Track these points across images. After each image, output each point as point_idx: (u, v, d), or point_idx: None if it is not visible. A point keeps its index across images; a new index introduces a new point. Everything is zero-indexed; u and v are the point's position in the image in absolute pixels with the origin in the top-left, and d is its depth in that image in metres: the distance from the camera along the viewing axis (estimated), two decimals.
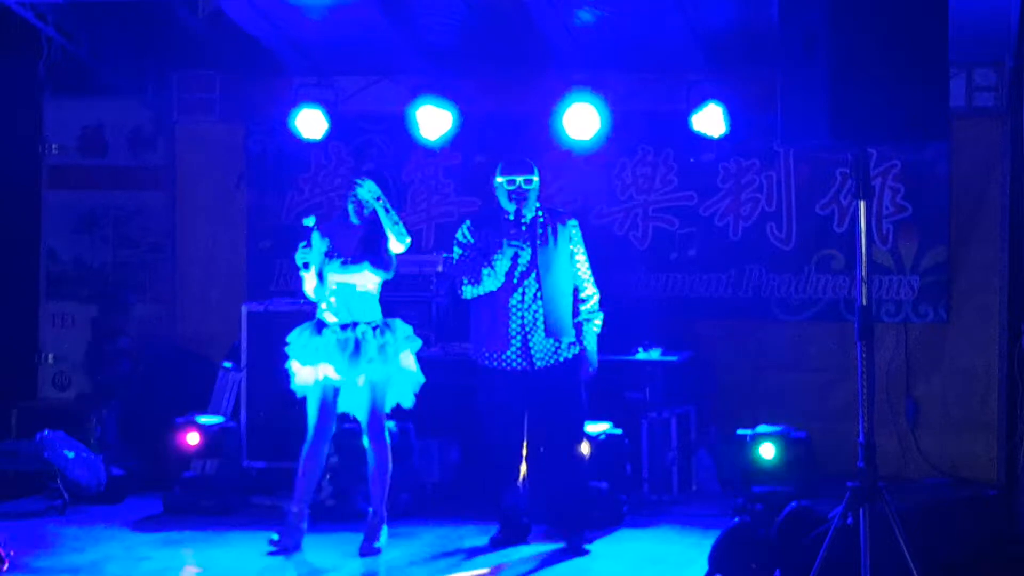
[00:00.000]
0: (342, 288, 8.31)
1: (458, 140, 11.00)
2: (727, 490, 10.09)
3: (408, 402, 8.51)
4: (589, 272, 8.52)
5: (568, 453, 8.41)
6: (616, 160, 11.12)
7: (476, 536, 8.82)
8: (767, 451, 9.22)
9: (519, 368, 8.37)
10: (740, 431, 9.44)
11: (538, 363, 8.35)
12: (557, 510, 8.54)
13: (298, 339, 8.36)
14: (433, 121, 10.71)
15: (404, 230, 8.30)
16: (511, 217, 8.44)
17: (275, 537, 8.33)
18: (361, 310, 8.29)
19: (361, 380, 8.24)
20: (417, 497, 9.45)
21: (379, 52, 10.96)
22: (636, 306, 10.67)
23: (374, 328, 8.27)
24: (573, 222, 8.57)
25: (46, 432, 9.80)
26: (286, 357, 8.55)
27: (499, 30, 10.27)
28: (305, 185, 11.62)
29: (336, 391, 8.34)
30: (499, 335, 8.39)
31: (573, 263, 8.47)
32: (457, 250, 8.53)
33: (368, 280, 8.30)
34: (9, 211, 11.67)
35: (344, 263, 8.28)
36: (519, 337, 8.35)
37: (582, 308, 8.47)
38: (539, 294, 8.33)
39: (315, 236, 8.36)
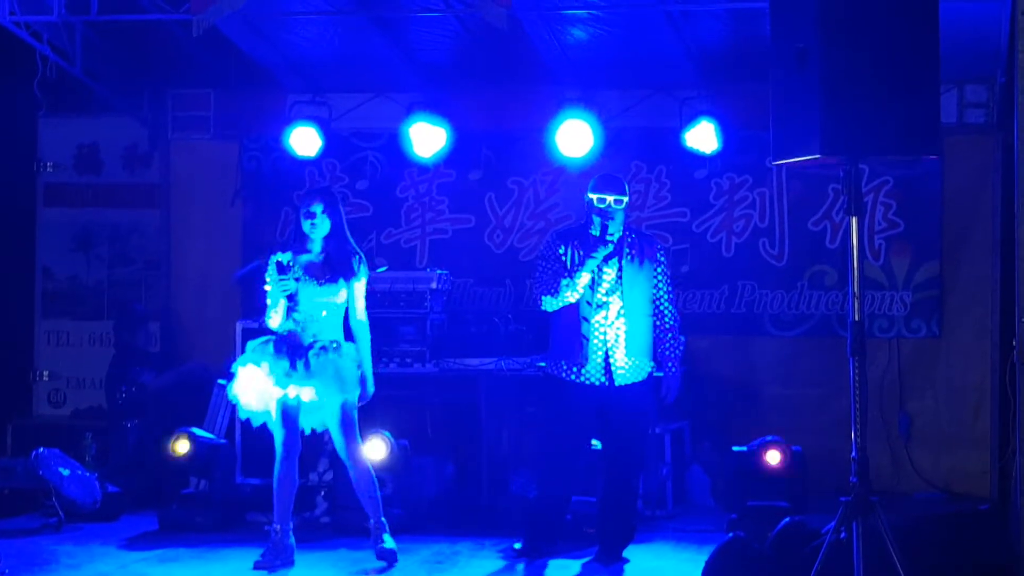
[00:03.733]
0: (307, 309, 8.28)
1: (452, 157, 11.05)
2: (721, 505, 10.11)
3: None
4: (674, 297, 8.53)
5: (630, 471, 8.49)
6: None
7: (472, 552, 8.82)
8: (772, 457, 9.21)
9: (598, 384, 8.32)
10: (736, 447, 9.43)
11: (618, 381, 8.30)
12: (604, 525, 8.54)
13: (262, 357, 8.28)
14: (427, 138, 10.75)
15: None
16: (597, 233, 8.34)
17: (259, 558, 8.32)
18: (323, 330, 8.26)
19: (305, 394, 8.18)
20: (412, 513, 9.45)
21: (373, 69, 11.00)
22: None
23: (333, 347, 8.24)
24: (660, 247, 8.55)
25: (41, 450, 9.78)
26: None
27: (492, 47, 10.30)
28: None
29: (297, 409, 8.30)
30: (581, 350, 8.34)
31: (656, 287, 8.44)
32: (540, 262, 8.47)
33: (339, 298, 8.29)
34: (5, 229, 11.71)
35: (321, 283, 8.25)
36: (601, 353, 8.30)
37: (667, 337, 8.47)
38: (622, 311, 8.30)
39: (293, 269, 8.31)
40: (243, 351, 10.01)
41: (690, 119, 10.46)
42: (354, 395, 8.28)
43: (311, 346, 8.21)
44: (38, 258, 12.06)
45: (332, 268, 8.25)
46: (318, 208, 8.26)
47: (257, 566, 8.23)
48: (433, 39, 10.55)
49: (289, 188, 11.63)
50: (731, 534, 7.62)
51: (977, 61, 10.08)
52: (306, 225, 8.28)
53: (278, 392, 8.23)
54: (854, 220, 6.54)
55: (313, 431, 8.50)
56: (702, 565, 7.42)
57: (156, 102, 11.73)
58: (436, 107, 10.74)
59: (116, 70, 11.18)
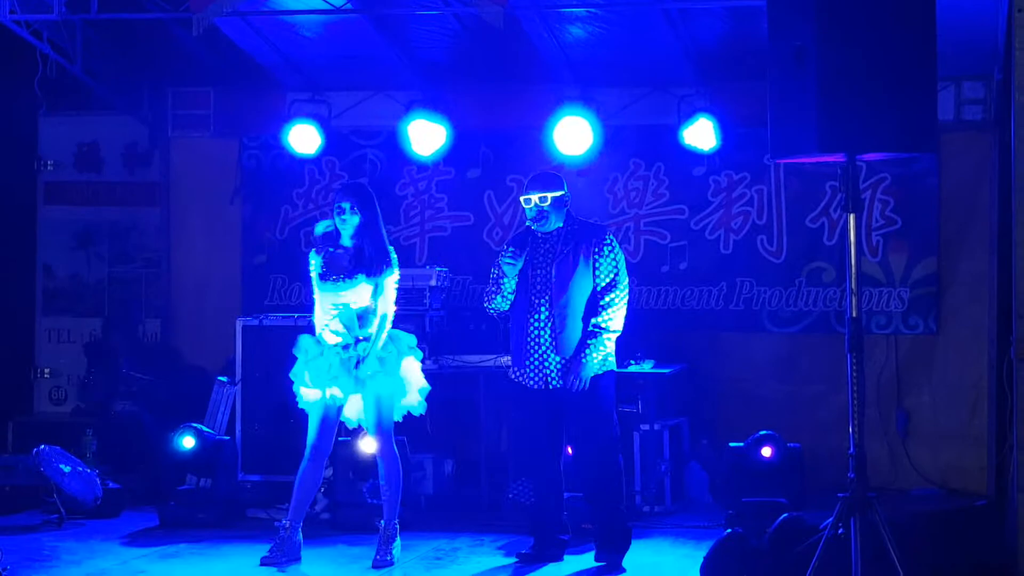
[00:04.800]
0: (336, 306, 8.32)
1: (451, 155, 11.07)
2: (719, 501, 10.13)
3: (418, 409, 8.51)
4: (614, 283, 8.19)
5: (594, 472, 8.28)
6: (608, 174, 11.16)
7: (471, 548, 8.85)
8: (766, 451, 9.26)
9: (535, 386, 8.25)
10: (733, 443, 9.46)
11: (552, 383, 8.19)
12: (597, 530, 8.43)
13: (304, 362, 8.35)
14: (426, 136, 10.76)
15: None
16: (538, 234, 8.30)
17: (265, 553, 8.35)
18: (357, 325, 8.30)
19: (337, 393, 8.25)
20: (412, 510, 9.46)
21: (372, 68, 11.01)
22: (628, 319, 10.69)
23: (370, 340, 8.28)
24: (605, 236, 8.29)
25: (42, 447, 9.80)
26: (281, 371, 8.56)
27: (491, 46, 10.32)
28: (299, 200, 11.66)
29: (339, 409, 8.36)
30: (519, 352, 8.29)
31: (595, 277, 8.22)
32: (494, 271, 8.40)
33: (364, 296, 8.32)
34: (5, 227, 11.72)
35: (337, 281, 8.29)
36: (535, 355, 8.21)
37: (592, 318, 8.20)
38: (555, 313, 8.16)
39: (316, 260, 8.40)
40: (243, 348, 10.13)
41: (688, 117, 10.47)
42: (388, 389, 8.29)
43: (332, 346, 8.26)
44: (38, 256, 12.07)
45: (356, 265, 8.28)
46: (347, 205, 8.28)
47: (264, 562, 8.27)
48: (432, 37, 10.57)
49: (289, 186, 11.67)
50: (729, 530, 7.64)
51: (974, 58, 10.09)
52: (337, 220, 8.33)
53: (315, 393, 8.30)
54: (852, 217, 6.56)
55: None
56: (700, 561, 7.46)
57: (156, 100, 11.75)
58: (435, 105, 10.76)
59: (116, 68, 11.21)
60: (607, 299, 8.22)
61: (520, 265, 8.27)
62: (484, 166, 11.42)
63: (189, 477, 9.97)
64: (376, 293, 8.29)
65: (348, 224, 8.30)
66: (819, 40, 6.32)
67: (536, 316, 8.23)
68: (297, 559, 8.35)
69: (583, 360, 8.14)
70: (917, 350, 10.79)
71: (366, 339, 8.26)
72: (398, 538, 8.38)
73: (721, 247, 11.09)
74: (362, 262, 8.26)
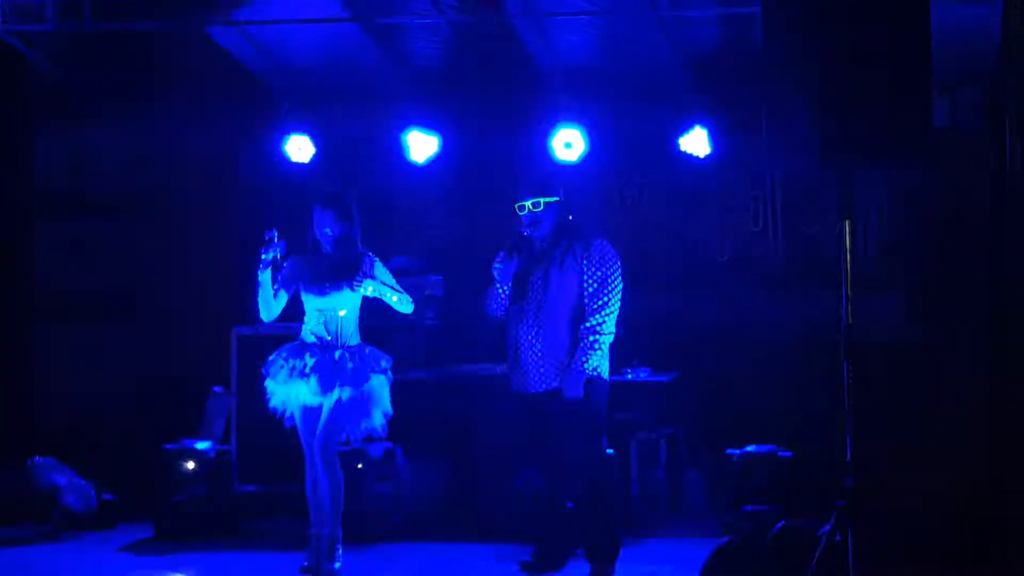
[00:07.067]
0: (321, 312, 8.30)
1: (445, 164, 11.05)
2: (717, 509, 10.12)
3: (378, 431, 8.38)
4: (603, 287, 8.11)
5: (580, 482, 8.20)
6: (603, 182, 11.15)
7: (467, 557, 8.84)
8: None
9: (518, 390, 8.21)
10: (729, 451, 9.46)
11: (532, 387, 8.13)
12: (585, 541, 8.35)
13: (276, 361, 8.31)
14: (420, 145, 10.76)
15: (407, 297, 8.30)
16: (535, 239, 8.21)
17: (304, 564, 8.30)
18: (339, 333, 8.29)
19: (302, 392, 8.20)
20: (409, 519, 9.46)
21: (366, 77, 11.00)
22: (625, 326, 10.69)
23: (349, 351, 8.24)
24: (593, 241, 8.19)
25: (37, 458, 9.80)
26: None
27: (486, 54, 10.32)
28: (294, 208, 11.63)
29: (316, 411, 8.25)
30: (511, 359, 8.22)
31: (585, 289, 8.15)
32: (494, 275, 8.37)
33: (347, 304, 8.28)
34: (0, 239, 11.70)
35: (323, 290, 8.25)
36: (519, 359, 8.15)
37: (583, 336, 8.09)
38: (541, 318, 8.10)
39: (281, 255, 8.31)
40: (238, 357, 10.11)
41: (684, 124, 10.47)
42: (349, 398, 8.17)
43: (311, 347, 8.22)
44: (35, 267, 12.05)
45: (337, 274, 8.24)
46: (328, 217, 8.26)
47: (307, 572, 8.24)
48: (426, 46, 10.57)
49: (284, 195, 11.64)
50: (727, 538, 7.64)
51: (969, 64, 10.09)
52: (318, 231, 8.29)
53: (284, 393, 8.26)
54: (847, 224, 6.57)
55: None
56: (698, 569, 7.44)
57: (150, 110, 11.73)
58: (430, 114, 10.76)
59: (110, 78, 11.19)
60: (597, 303, 8.12)
61: (510, 270, 8.22)
62: (479, 176, 11.40)
63: (186, 488, 9.94)
64: (376, 287, 8.21)
65: (329, 234, 8.26)
66: (813, 48, 6.33)
67: (527, 322, 8.16)
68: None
69: (576, 364, 8.04)
70: (913, 358, 10.78)
71: (343, 346, 8.21)
72: (339, 545, 8.24)
73: (717, 255, 11.08)
74: (344, 271, 8.23)
